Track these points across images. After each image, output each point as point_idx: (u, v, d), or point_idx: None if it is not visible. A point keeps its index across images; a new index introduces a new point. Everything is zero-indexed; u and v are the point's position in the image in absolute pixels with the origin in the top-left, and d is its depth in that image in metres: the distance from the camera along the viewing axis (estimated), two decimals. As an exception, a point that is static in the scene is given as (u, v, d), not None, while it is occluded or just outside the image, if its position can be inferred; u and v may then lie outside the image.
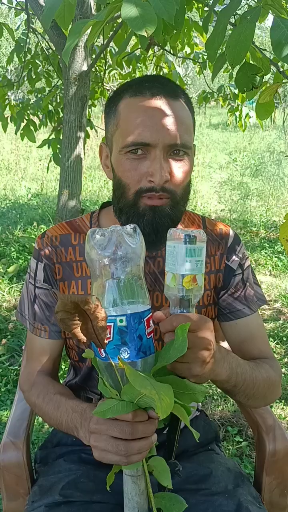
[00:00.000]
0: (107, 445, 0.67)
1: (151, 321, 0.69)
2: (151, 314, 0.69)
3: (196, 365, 0.68)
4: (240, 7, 1.01)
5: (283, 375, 2.31)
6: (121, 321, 0.65)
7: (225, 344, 1.03)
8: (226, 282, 0.95)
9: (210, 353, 0.69)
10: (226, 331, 0.98)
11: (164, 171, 0.80)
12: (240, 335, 0.96)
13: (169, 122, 0.80)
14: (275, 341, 2.62)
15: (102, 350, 0.66)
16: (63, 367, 2.17)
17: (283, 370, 2.36)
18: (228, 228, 0.98)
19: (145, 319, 0.67)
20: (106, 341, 0.64)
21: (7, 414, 2.02)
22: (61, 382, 1.01)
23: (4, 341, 2.54)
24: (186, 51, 3.35)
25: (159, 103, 0.80)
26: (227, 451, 1.83)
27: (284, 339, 2.65)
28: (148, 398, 0.60)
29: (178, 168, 0.82)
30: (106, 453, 0.68)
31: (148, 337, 0.68)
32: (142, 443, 0.67)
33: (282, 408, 2.08)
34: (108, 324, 0.64)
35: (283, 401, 2.13)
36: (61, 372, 2.19)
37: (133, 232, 0.69)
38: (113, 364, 0.65)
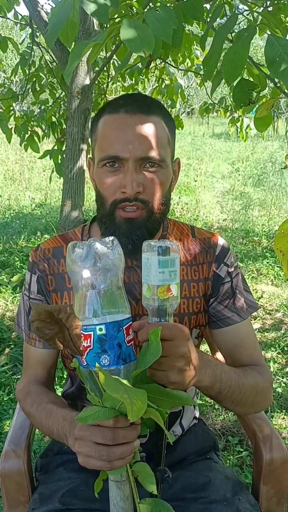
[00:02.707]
0: (90, 450, 0.69)
1: (130, 330, 0.72)
2: (130, 322, 0.72)
3: (173, 372, 0.71)
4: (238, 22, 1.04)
5: (284, 384, 2.31)
6: (100, 329, 0.68)
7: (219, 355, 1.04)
8: (215, 290, 0.97)
9: (187, 361, 0.71)
10: (216, 338, 1.00)
11: (135, 182, 0.84)
12: (230, 342, 0.98)
13: (141, 136, 0.84)
14: (276, 351, 2.63)
15: (83, 358, 0.69)
16: (64, 376, 2.18)
17: (284, 379, 2.36)
18: (217, 237, 1.00)
19: (124, 327, 0.70)
20: (86, 349, 0.67)
21: (9, 423, 2.03)
22: (60, 390, 1.03)
23: (7, 350, 2.56)
24: (187, 64, 3.41)
25: (132, 119, 0.85)
26: (228, 461, 1.83)
27: (286, 348, 2.65)
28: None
29: (151, 180, 0.86)
30: (89, 458, 0.69)
31: (127, 344, 0.70)
32: (124, 448, 0.68)
33: (283, 418, 2.08)
34: (88, 333, 0.68)
35: (284, 410, 2.13)
36: (63, 381, 2.20)
37: (112, 244, 0.72)
38: (93, 371, 0.68)
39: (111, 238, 0.74)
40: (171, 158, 0.92)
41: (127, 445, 0.69)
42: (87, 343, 0.68)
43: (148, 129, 0.85)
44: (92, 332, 0.68)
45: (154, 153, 0.85)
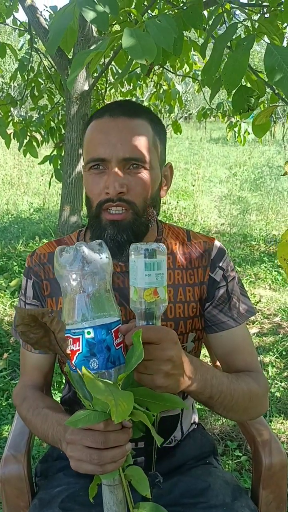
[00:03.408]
0: (81, 454, 0.69)
1: (119, 333, 0.72)
2: (119, 325, 0.72)
3: (159, 376, 0.70)
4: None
5: (282, 389, 2.32)
6: (88, 333, 0.68)
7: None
8: (210, 294, 0.97)
9: (173, 365, 0.71)
10: (211, 342, 1.00)
11: (117, 183, 0.84)
12: (225, 347, 0.97)
13: (123, 138, 0.85)
14: (275, 355, 2.63)
15: (72, 362, 0.69)
16: (63, 381, 2.18)
17: (282, 384, 2.37)
18: (213, 240, 1.00)
19: (112, 330, 0.70)
20: (75, 353, 0.68)
21: (8, 429, 2.03)
22: (59, 395, 1.04)
23: (5, 355, 2.56)
24: (185, 69, 3.43)
25: (116, 122, 0.86)
26: (227, 466, 1.83)
27: (284, 353, 2.66)
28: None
29: (135, 181, 0.87)
30: (81, 462, 0.69)
31: (116, 348, 0.71)
32: (115, 451, 0.68)
33: (282, 422, 2.09)
34: (76, 336, 0.68)
35: (282, 415, 2.13)
36: (61, 386, 2.20)
37: (100, 247, 0.73)
38: (81, 375, 0.68)
39: (99, 241, 0.74)
40: (160, 162, 0.92)
41: (119, 449, 0.69)
42: (76, 346, 0.69)
43: (131, 130, 0.86)
44: (80, 336, 0.68)
45: (137, 154, 0.86)
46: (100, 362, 0.69)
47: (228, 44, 1.29)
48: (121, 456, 0.69)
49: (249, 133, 3.70)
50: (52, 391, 1.14)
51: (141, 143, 0.86)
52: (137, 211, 0.87)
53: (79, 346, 0.68)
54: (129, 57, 0.90)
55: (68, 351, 0.68)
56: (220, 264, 0.98)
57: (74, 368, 0.69)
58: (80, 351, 0.68)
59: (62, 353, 0.66)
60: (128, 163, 0.86)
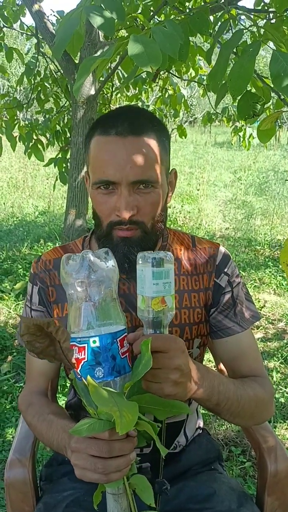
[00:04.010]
0: (85, 463, 0.69)
1: (125, 341, 0.72)
2: (125, 334, 0.72)
3: (167, 385, 0.70)
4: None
5: (287, 395, 2.31)
6: (94, 341, 0.68)
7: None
8: (216, 300, 0.97)
9: (181, 374, 0.71)
10: (217, 348, 1.00)
11: (129, 206, 0.84)
12: (230, 353, 0.97)
13: (132, 160, 0.84)
14: (279, 361, 2.62)
15: (78, 371, 0.69)
16: (67, 384, 2.18)
17: (287, 390, 2.35)
18: (217, 246, 1.00)
19: (118, 339, 0.70)
20: (81, 361, 0.67)
21: (11, 431, 2.03)
22: (63, 399, 1.04)
23: (10, 358, 2.56)
24: (190, 74, 3.44)
25: (123, 142, 0.84)
26: (231, 472, 1.82)
27: (288, 358, 2.65)
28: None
29: (145, 201, 0.86)
30: (85, 471, 0.69)
31: (122, 356, 0.70)
32: (120, 461, 0.68)
33: (286, 428, 2.08)
34: (82, 345, 0.68)
35: (287, 421, 2.12)
36: (65, 389, 2.20)
37: (106, 256, 0.73)
38: (86, 383, 0.68)
39: (105, 249, 0.74)
40: (166, 173, 0.92)
41: (123, 458, 0.68)
42: (81, 355, 0.68)
43: (140, 151, 0.85)
44: (86, 344, 0.68)
45: (146, 176, 0.85)
46: (105, 371, 0.68)
47: (234, 50, 1.29)
48: (126, 465, 0.69)
49: (254, 138, 3.70)
50: (56, 395, 1.14)
51: (150, 162, 0.85)
52: (146, 230, 0.88)
53: (84, 354, 0.68)
54: (134, 64, 0.90)
55: (73, 360, 0.68)
56: (225, 270, 0.98)
57: (79, 376, 0.69)
58: (86, 359, 0.68)
59: (67, 363, 0.66)
60: (137, 184, 0.85)
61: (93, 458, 0.68)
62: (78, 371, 0.69)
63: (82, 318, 0.69)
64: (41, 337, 0.64)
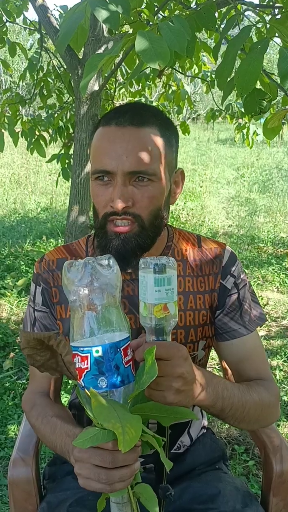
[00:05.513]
0: (89, 473, 0.67)
1: (128, 350, 0.70)
2: (129, 342, 0.71)
3: (170, 393, 0.70)
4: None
5: (290, 393, 2.30)
6: (97, 351, 0.66)
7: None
8: (221, 302, 0.96)
9: (184, 382, 0.70)
10: (222, 351, 0.98)
11: (123, 197, 0.82)
12: (236, 355, 0.96)
13: (129, 150, 0.82)
14: (282, 359, 2.62)
15: (81, 380, 0.67)
16: (69, 381, 2.18)
17: (290, 388, 2.35)
18: (223, 247, 0.98)
19: (121, 349, 0.68)
20: (84, 371, 0.66)
21: (14, 429, 2.03)
22: (66, 396, 1.03)
23: (12, 354, 2.56)
24: (194, 70, 3.41)
25: (122, 132, 0.83)
26: (234, 470, 1.82)
27: (291, 356, 2.65)
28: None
29: (141, 194, 0.84)
30: (89, 481, 0.68)
31: (126, 366, 0.69)
32: (124, 471, 0.67)
33: (289, 427, 2.07)
34: (85, 354, 0.66)
35: (290, 419, 2.12)
36: (68, 386, 2.20)
37: (108, 263, 0.71)
38: (88, 394, 0.66)
39: (108, 256, 0.72)
40: (169, 170, 0.89)
41: (127, 468, 0.67)
42: (84, 364, 0.67)
43: (138, 141, 0.83)
44: (89, 354, 0.67)
45: (143, 167, 0.83)
46: (108, 381, 0.67)
47: (242, 46, 1.28)
48: (130, 476, 0.68)
49: (257, 135, 3.68)
50: (59, 394, 1.13)
51: (148, 154, 0.83)
52: (142, 224, 0.85)
53: (87, 364, 0.67)
54: (139, 59, 0.89)
55: (75, 368, 0.67)
56: (231, 271, 0.96)
57: (82, 386, 0.68)
58: (89, 369, 0.67)
59: (69, 375, 0.65)
60: (134, 175, 0.83)
61: (97, 468, 0.67)
62: (81, 381, 0.67)
63: (84, 326, 0.68)
64: (41, 351, 0.63)
